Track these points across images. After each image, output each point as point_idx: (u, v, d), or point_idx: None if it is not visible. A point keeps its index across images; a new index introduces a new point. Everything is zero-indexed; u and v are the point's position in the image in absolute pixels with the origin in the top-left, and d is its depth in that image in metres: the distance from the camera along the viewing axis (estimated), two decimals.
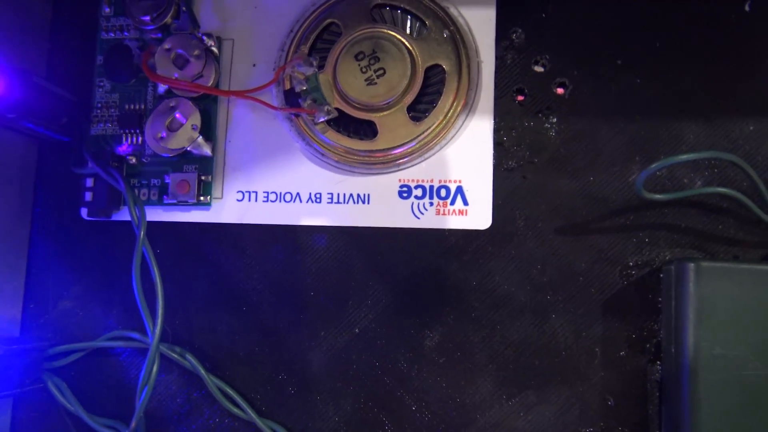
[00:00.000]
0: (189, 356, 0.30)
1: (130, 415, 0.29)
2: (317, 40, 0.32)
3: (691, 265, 0.26)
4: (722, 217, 0.29)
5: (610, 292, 0.29)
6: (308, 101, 0.31)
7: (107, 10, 0.34)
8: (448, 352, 0.30)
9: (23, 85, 0.30)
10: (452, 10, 0.31)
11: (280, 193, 0.32)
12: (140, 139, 0.32)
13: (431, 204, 0.31)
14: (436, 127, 0.30)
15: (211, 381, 0.30)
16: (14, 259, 0.32)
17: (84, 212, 0.33)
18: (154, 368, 0.28)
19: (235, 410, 0.30)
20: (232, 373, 0.31)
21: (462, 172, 0.30)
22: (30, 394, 0.32)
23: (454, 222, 0.30)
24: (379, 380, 0.30)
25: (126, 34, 0.33)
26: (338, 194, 0.31)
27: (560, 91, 0.30)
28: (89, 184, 0.32)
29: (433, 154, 0.31)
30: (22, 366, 0.30)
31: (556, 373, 0.29)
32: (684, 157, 0.26)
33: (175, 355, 0.30)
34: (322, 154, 0.31)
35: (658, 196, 0.27)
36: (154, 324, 0.28)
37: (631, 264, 0.29)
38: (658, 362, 0.28)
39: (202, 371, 0.30)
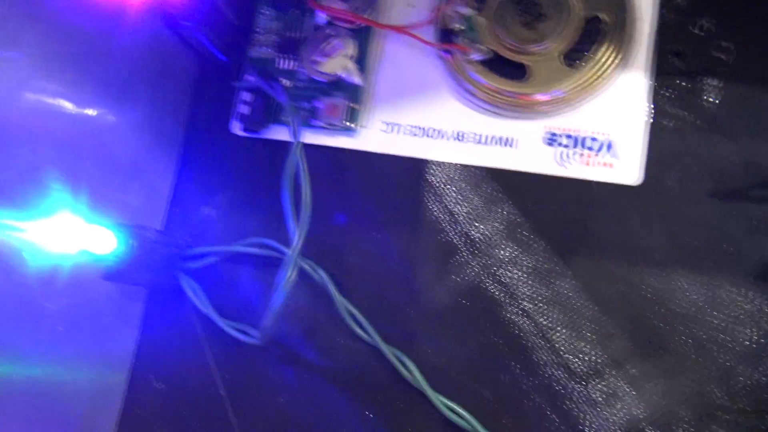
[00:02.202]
0: (321, 271, 0.31)
1: (257, 322, 0.30)
2: None
3: None
4: None
5: (764, 265, 0.28)
6: (463, 40, 0.31)
7: None
8: (580, 302, 0.29)
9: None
10: None
11: (425, 128, 0.32)
12: (295, 64, 0.34)
13: (577, 153, 0.30)
14: (590, 76, 0.30)
15: (340, 299, 0.31)
16: (165, 161, 0.34)
17: (234, 127, 0.34)
18: (294, 274, 0.29)
19: (360, 332, 0.31)
20: (359, 297, 0.31)
21: (613, 125, 0.30)
22: (163, 293, 0.33)
23: (602, 174, 0.30)
24: (509, 321, 0.30)
25: None
26: (483, 135, 0.32)
27: (723, 55, 0.30)
28: (246, 98, 0.33)
29: (583, 105, 0.31)
30: (160, 259, 0.32)
31: (690, 344, 0.28)
32: None
33: (308, 267, 0.31)
34: (471, 94, 0.32)
35: None
36: (300, 229, 0.29)
37: None
38: None
39: (332, 287, 0.31)
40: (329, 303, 0.31)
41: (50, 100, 0.27)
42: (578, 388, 0.28)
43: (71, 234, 0.28)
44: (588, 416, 0.28)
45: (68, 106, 0.29)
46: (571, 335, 0.29)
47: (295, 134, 0.30)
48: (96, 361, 0.32)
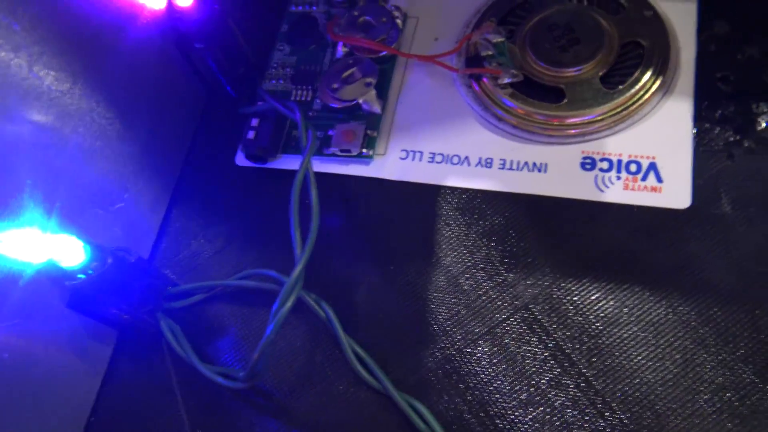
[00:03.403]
0: (325, 305, 0.26)
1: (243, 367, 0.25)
2: (507, 17, 0.31)
3: None
4: None
5: None
6: (494, 64, 0.29)
7: None
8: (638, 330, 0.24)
9: (218, 22, 0.31)
10: None
11: (447, 155, 0.29)
12: (310, 95, 0.32)
13: (618, 178, 0.27)
14: (629, 100, 0.28)
15: (346, 338, 0.26)
16: (159, 189, 0.31)
17: (239, 158, 0.32)
18: (291, 302, 0.24)
19: (368, 377, 0.25)
20: (367, 337, 0.26)
21: (656, 148, 0.27)
22: (136, 331, 0.28)
23: (646, 198, 0.27)
24: (546, 362, 0.25)
25: (314, 8, 0.34)
26: (512, 161, 0.29)
27: None
28: (254, 123, 0.31)
29: (623, 129, 0.28)
30: (137, 292, 0.27)
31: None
32: None
33: (310, 300, 0.26)
34: (499, 119, 0.29)
35: None
36: (304, 250, 0.24)
37: None
38: None
39: (337, 324, 0.26)
40: (332, 343, 0.26)
41: (35, 110, 0.25)
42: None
43: (38, 244, 0.24)
44: None
45: (50, 120, 0.26)
46: (611, 380, 0.24)
47: (306, 150, 0.27)
48: (48, 408, 0.26)
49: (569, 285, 0.26)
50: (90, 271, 0.25)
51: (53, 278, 0.25)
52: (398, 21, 0.32)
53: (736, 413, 0.23)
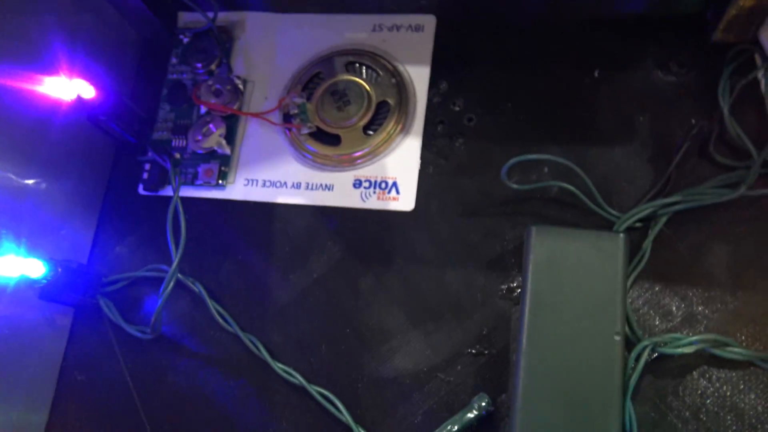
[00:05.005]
0: (198, 284, 0.43)
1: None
2: (308, 83, 0.47)
3: (533, 228, 0.38)
4: (567, 208, 0.41)
5: (493, 255, 0.41)
6: (298, 120, 0.46)
7: (174, 60, 0.50)
8: (378, 293, 0.42)
9: (115, 99, 0.46)
10: (399, 66, 0.46)
11: (274, 181, 0.46)
12: (185, 142, 0.48)
13: (374, 192, 0.44)
14: (381, 141, 0.45)
15: (211, 303, 0.43)
16: (89, 215, 0.47)
17: (140, 188, 0.47)
18: (171, 283, 0.41)
19: (225, 325, 0.43)
20: (226, 301, 0.44)
21: (397, 172, 0.44)
22: (86, 309, 0.45)
23: (391, 205, 0.44)
24: (328, 311, 0.42)
25: (184, 76, 0.49)
26: (312, 183, 0.45)
27: (468, 122, 0.44)
28: (147, 167, 0.47)
29: (378, 160, 0.45)
30: (84, 284, 0.44)
31: (448, 310, 0.41)
32: (532, 156, 0.39)
33: (188, 282, 0.43)
34: (304, 157, 0.46)
35: (515, 186, 0.40)
36: (177, 251, 0.41)
37: (507, 237, 0.42)
38: (517, 304, 0.40)
39: (205, 294, 0.43)
40: (205, 307, 0.43)
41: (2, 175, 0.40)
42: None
43: (14, 265, 0.40)
44: (376, 366, 0.40)
45: (14, 179, 0.41)
46: (372, 314, 0.42)
47: (174, 189, 0.43)
48: (34, 361, 0.43)
49: (344, 262, 0.43)
50: (49, 277, 0.42)
51: (28, 284, 0.41)
52: (240, 86, 0.48)
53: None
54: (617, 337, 0.35)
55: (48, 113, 0.43)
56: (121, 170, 0.49)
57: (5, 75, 0.39)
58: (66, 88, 0.43)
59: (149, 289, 0.45)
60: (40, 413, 0.43)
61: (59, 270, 0.42)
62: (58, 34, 0.42)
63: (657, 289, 0.39)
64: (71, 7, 0.44)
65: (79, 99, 0.44)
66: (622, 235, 0.37)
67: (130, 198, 0.48)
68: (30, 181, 0.42)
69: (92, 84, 0.43)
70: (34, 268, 0.41)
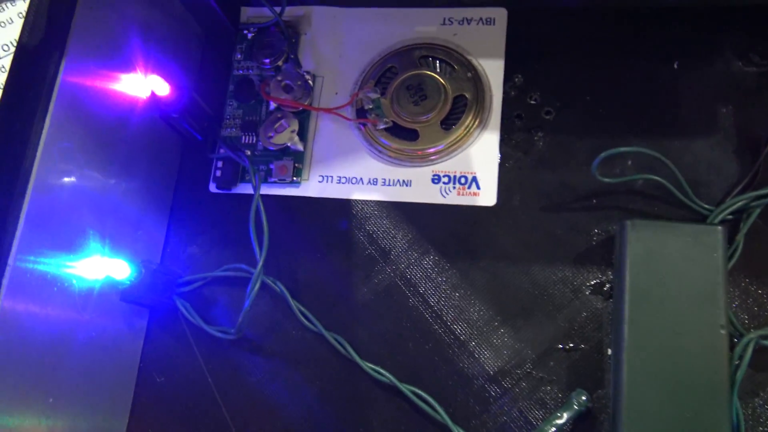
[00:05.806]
0: (279, 284, 0.43)
1: (233, 325, 0.41)
2: (381, 77, 0.46)
3: (628, 222, 0.38)
4: (654, 201, 0.41)
5: (580, 250, 0.41)
6: (373, 115, 0.45)
7: (239, 56, 0.49)
8: (462, 290, 0.42)
9: (186, 97, 0.45)
10: (473, 60, 0.45)
11: (349, 177, 0.45)
12: (255, 139, 0.47)
13: (454, 188, 0.44)
14: (459, 136, 0.44)
15: (293, 302, 0.42)
16: (161, 214, 0.46)
17: (211, 187, 0.47)
18: (257, 285, 0.40)
19: (308, 324, 0.42)
20: (307, 300, 0.43)
21: (476, 167, 0.44)
22: (162, 310, 0.45)
23: (470, 200, 0.43)
24: (413, 308, 0.42)
25: (251, 72, 0.49)
26: (389, 179, 0.45)
27: (546, 116, 0.44)
28: (219, 165, 0.46)
29: (456, 155, 0.44)
30: (162, 285, 0.43)
31: (537, 306, 0.40)
32: (624, 149, 0.39)
33: (269, 281, 0.43)
34: (380, 152, 0.45)
35: (606, 180, 0.40)
36: (261, 252, 0.41)
37: (592, 231, 0.41)
38: (610, 300, 0.40)
39: (287, 294, 0.42)
40: (286, 307, 0.43)
41: (87, 176, 0.39)
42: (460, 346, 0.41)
43: (100, 267, 0.40)
44: (466, 363, 0.40)
45: (99, 177, 0.40)
46: (459, 311, 0.41)
47: (255, 187, 0.43)
48: (115, 364, 0.42)
49: (427, 258, 0.43)
50: (133, 278, 0.41)
51: (112, 285, 0.41)
52: (309, 81, 0.47)
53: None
54: (722, 331, 0.35)
55: (126, 111, 0.42)
56: (189, 168, 0.48)
57: (91, 73, 0.38)
58: (142, 85, 0.42)
59: (223, 289, 0.45)
60: (121, 416, 0.42)
61: (143, 271, 0.41)
62: (135, 28, 0.42)
63: (750, 281, 0.39)
64: (144, 1, 0.43)
65: (154, 96, 0.43)
66: (720, 227, 0.37)
67: (200, 196, 0.47)
68: (111, 181, 0.41)
69: (166, 81, 0.43)
70: (118, 269, 0.40)
